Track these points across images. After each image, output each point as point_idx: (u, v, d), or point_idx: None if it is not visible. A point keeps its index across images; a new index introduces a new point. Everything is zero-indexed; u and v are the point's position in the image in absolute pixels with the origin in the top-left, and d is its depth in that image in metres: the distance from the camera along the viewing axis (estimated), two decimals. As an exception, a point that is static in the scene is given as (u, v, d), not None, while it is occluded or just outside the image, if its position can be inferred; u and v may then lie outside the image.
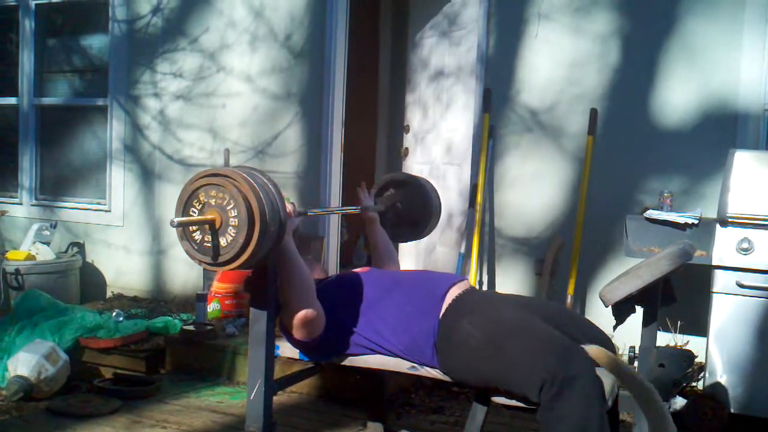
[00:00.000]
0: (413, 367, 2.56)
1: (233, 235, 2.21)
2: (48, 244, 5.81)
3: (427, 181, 3.43)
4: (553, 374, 2.19)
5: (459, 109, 5.10)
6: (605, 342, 2.58)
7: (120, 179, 5.93)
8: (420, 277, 2.81)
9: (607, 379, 2.42)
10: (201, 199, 2.26)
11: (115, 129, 5.92)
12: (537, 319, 2.44)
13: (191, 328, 4.38)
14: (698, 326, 3.96)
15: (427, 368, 2.54)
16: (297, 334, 2.58)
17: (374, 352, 2.60)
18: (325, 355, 2.69)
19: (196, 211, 2.27)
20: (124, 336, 4.38)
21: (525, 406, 2.32)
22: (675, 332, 4.09)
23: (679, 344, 4.07)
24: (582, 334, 2.49)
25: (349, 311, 2.62)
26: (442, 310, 2.53)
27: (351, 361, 2.65)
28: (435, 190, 3.42)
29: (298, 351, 2.74)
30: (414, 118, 5.64)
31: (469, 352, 2.42)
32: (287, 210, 2.41)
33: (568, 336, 2.38)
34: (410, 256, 5.47)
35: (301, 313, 2.51)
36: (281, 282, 2.52)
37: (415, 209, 3.37)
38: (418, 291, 2.62)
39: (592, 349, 1.67)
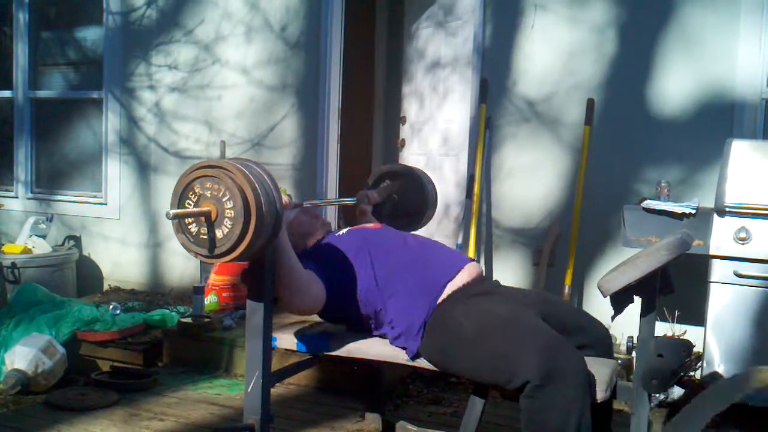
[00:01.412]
0: (411, 358, 2.56)
1: (229, 226, 2.20)
2: (44, 237, 5.80)
3: (423, 172, 3.43)
4: (534, 371, 2.21)
5: (455, 99, 5.09)
6: (605, 336, 2.60)
7: (116, 172, 5.91)
8: (431, 250, 2.77)
9: (606, 369, 2.42)
10: (196, 191, 2.25)
11: (111, 121, 5.90)
12: (529, 313, 2.44)
13: (188, 320, 4.37)
14: (696, 316, 3.95)
15: (422, 359, 2.54)
16: (296, 314, 2.61)
17: (361, 322, 2.62)
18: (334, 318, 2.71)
19: (192, 204, 2.26)
20: (122, 329, 4.38)
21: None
22: (673, 322, 4.09)
23: (676, 334, 4.08)
24: (580, 328, 2.51)
25: (353, 278, 2.62)
26: (444, 294, 2.53)
27: (348, 352, 2.65)
28: (431, 182, 3.41)
29: (296, 342, 2.74)
30: (410, 109, 5.63)
31: (456, 339, 2.43)
32: (283, 202, 2.41)
33: (566, 332, 2.39)
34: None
35: (304, 307, 2.52)
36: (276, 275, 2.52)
37: (411, 200, 3.36)
38: (427, 270, 2.62)
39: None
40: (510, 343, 2.31)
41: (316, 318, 2.80)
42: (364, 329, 2.69)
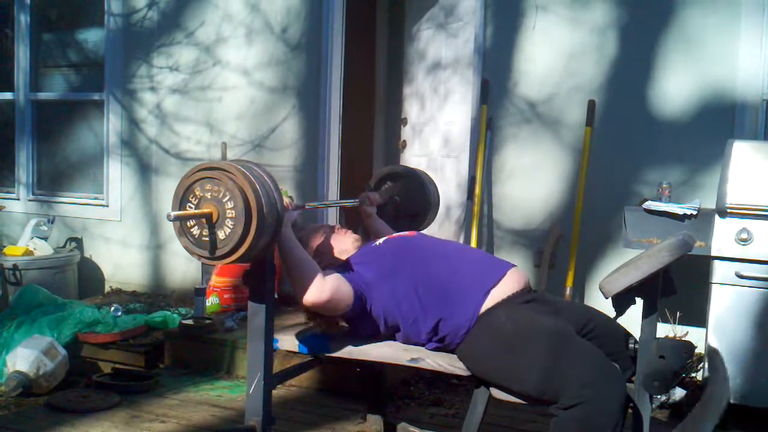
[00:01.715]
0: (413, 359, 2.55)
1: (231, 227, 2.21)
2: (46, 239, 5.80)
3: (425, 173, 3.43)
4: (582, 385, 2.20)
5: (456, 101, 5.09)
6: (623, 340, 2.59)
7: (117, 174, 5.91)
8: (476, 259, 2.74)
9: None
10: (197, 193, 2.26)
11: (112, 123, 5.90)
12: (572, 327, 2.43)
13: (190, 322, 4.38)
14: (697, 317, 3.95)
15: (428, 360, 2.53)
16: (326, 314, 2.59)
17: (397, 328, 2.60)
18: (369, 328, 2.67)
19: (193, 206, 2.26)
20: (123, 331, 4.38)
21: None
22: (674, 323, 4.09)
23: (678, 335, 4.07)
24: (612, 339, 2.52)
25: (397, 280, 2.59)
26: (489, 300, 2.50)
27: (350, 353, 2.65)
28: (433, 183, 3.42)
29: (297, 344, 2.73)
30: (411, 110, 5.63)
31: (495, 345, 2.40)
32: (285, 203, 2.41)
33: (603, 346, 2.39)
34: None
35: (310, 300, 2.49)
36: (286, 273, 2.52)
37: (413, 201, 3.36)
38: (471, 276, 2.58)
39: None
40: (556, 359, 2.29)
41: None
42: (393, 338, 2.67)
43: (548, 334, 2.36)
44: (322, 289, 2.48)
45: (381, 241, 2.81)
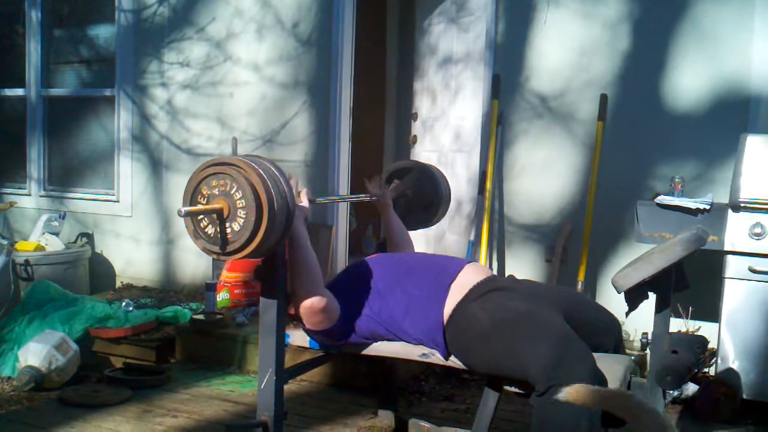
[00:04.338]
0: (424, 354, 2.55)
1: (243, 218, 2.21)
2: (57, 234, 5.82)
3: (434, 166, 3.43)
4: (550, 367, 2.19)
5: (468, 96, 5.07)
6: (611, 325, 2.60)
7: (128, 169, 5.93)
8: (430, 262, 2.78)
9: (620, 366, 2.41)
10: (204, 192, 2.26)
11: (123, 119, 5.91)
12: (547, 309, 2.43)
13: (201, 317, 4.39)
14: (710, 312, 3.93)
15: (438, 355, 2.53)
16: (309, 323, 2.57)
17: (390, 340, 2.61)
18: (341, 344, 2.69)
19: (203, 203, 2.26)
20: (134, 326, 4.39)
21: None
22: (687, 318, 4.07)
23: (690, 330, 4.05)
24: (592, 321, 2.51)
25: (362, 301, 2.61)
26: (452, 295, 2.53)
27: (361, 349, 2.65)
28: (443, 175, 3.41)
29: (308, 339, 2.73)
30: (422, 105, 5.61)
31: (474, 336, 2.43)
32: (299, 195, 2.42)
33: (580, 327, 2.38)
34: (420, 244, 5.44)
35: (309, 302, 2.50)
36: (290, 269, 2.52)
37: (424, 192, 3.36)
38: (428, 278, 2.61)
39: (571, 391, 1.56)
40: (522, 338, 2.31)
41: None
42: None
43: (520, 317, 2.39)
44: (323, 295, 2.50)
45: (350, 268, 2.88)
